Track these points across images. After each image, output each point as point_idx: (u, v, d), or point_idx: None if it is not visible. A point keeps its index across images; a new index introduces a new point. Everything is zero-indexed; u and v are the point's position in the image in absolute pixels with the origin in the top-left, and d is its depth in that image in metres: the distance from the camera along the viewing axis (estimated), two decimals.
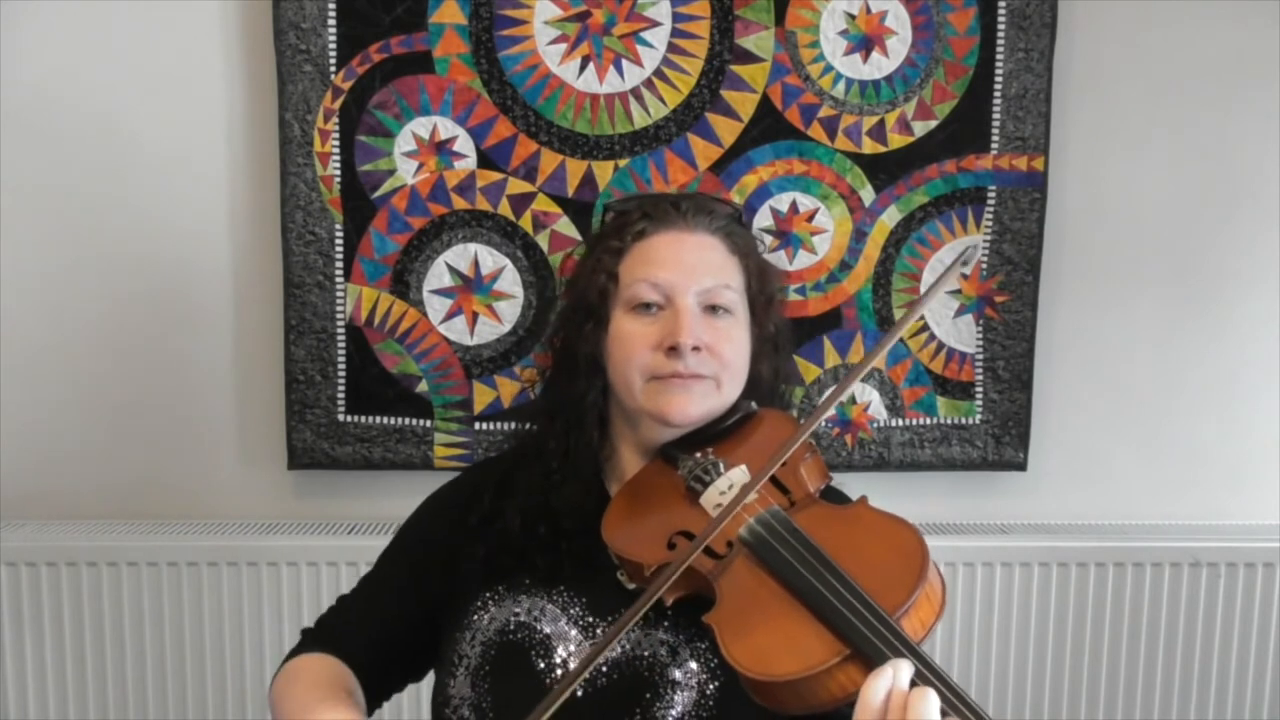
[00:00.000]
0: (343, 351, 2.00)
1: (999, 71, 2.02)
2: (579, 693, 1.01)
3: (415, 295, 1.99)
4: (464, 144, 1.96)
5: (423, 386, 2.01)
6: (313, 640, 1.18)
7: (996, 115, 2.03)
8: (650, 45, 1.97)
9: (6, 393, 1.99)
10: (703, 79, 1.98)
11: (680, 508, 1.02)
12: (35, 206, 1.96)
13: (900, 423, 2.10)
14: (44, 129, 1.94)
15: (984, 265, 2.08)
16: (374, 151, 1.95)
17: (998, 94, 2.03)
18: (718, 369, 1.07)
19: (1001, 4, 2.00)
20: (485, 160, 1.97)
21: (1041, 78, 2.03)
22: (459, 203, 1.98)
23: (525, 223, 1.99)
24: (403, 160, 1.95)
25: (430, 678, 1.15)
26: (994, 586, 2.04)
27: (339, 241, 1.97)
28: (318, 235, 1.96)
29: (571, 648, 1.03)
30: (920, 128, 2.03)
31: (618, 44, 1.96)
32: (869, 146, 2.03)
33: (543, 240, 1.99)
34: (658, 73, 1.97)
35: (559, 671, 1.02)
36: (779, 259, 2.02)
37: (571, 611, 1.05)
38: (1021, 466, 2.13)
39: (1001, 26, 2.01)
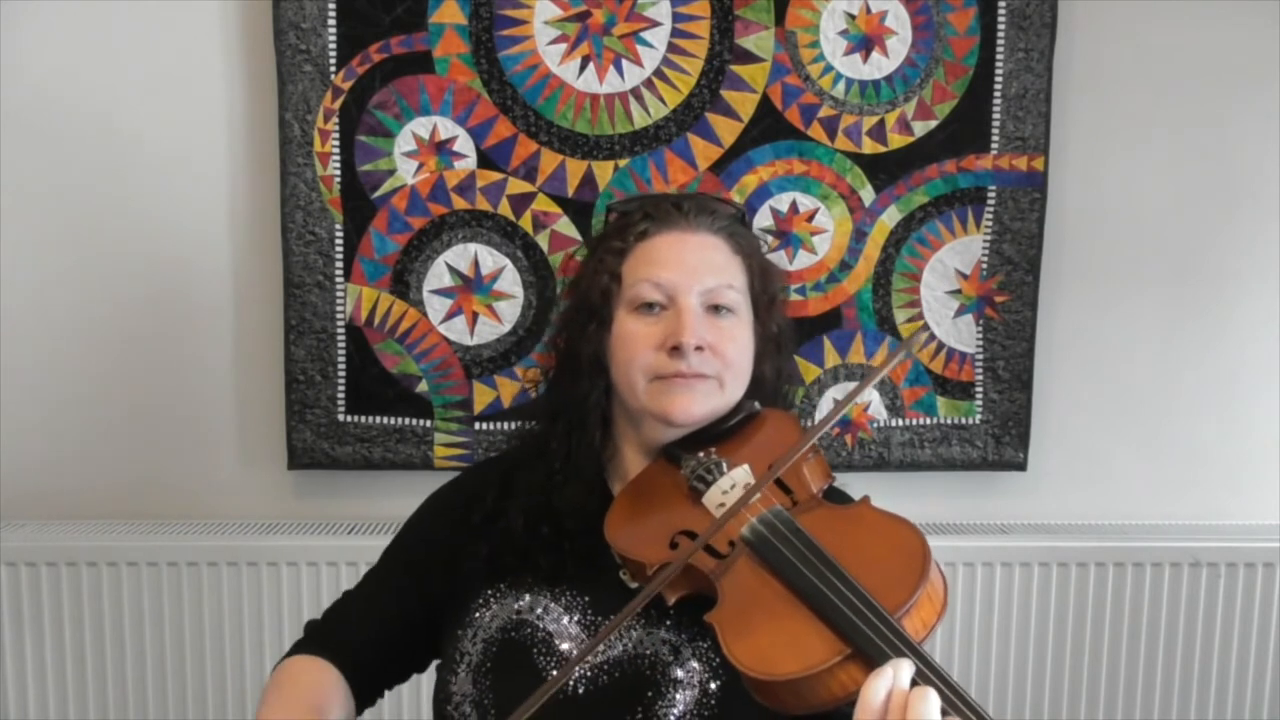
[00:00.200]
0: (343, 351, 2.00)
1: (999, 71, 2.02)
2: (581, 690, 1.01)
3: (415, 295, 1.99)
4: (464, 144, 1.96)
5: (423, 386, 2.01)
6: (313, 638, 1.18)
7: (996, 115, 2.04)
8: (650, 45, 1.97)
9: (6, 393, 1.99)
10: (703, 79, 1.98)
11: (683, 507, 1.02)
12: (35, 206, 1.96)
13: (900, 423, 2.10)
14: (44, 129, 1.94)
15: (984, 265, 2.08)
16: (374, 151, 1.95)
17: (998, 94, 2.03)
18: (720, 369, 1.07)
19: (1001, 4, 2.00)
20: (485, 160, 1.97)
21: (1041, 78, 2.03)
22: (459, 203, 1.98)
23: (525, 223, 1.99)
24: (403, 160, 1.96)
25: (431, 673, 1.16)
26: (994, 586, 2.04)
27: (339, 241, 1.97)
28: (318, 235, 1.96)
29: (573, 646, 1.04)
30: (920, 128, 2.03)
31: (618, 44, 1.96)
32: (869, 146, 2.03)
33: (543, 240, 1.99)
34: (658, 73, 1.98)
35: (559, 670, 1.02)
36: (779, 259, 2.02)
37: (574, 610, 1.06)
38: (1021, 466, 2.13)
39: (1001, 26, 2.01)
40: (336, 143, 1.94)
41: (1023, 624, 2.06)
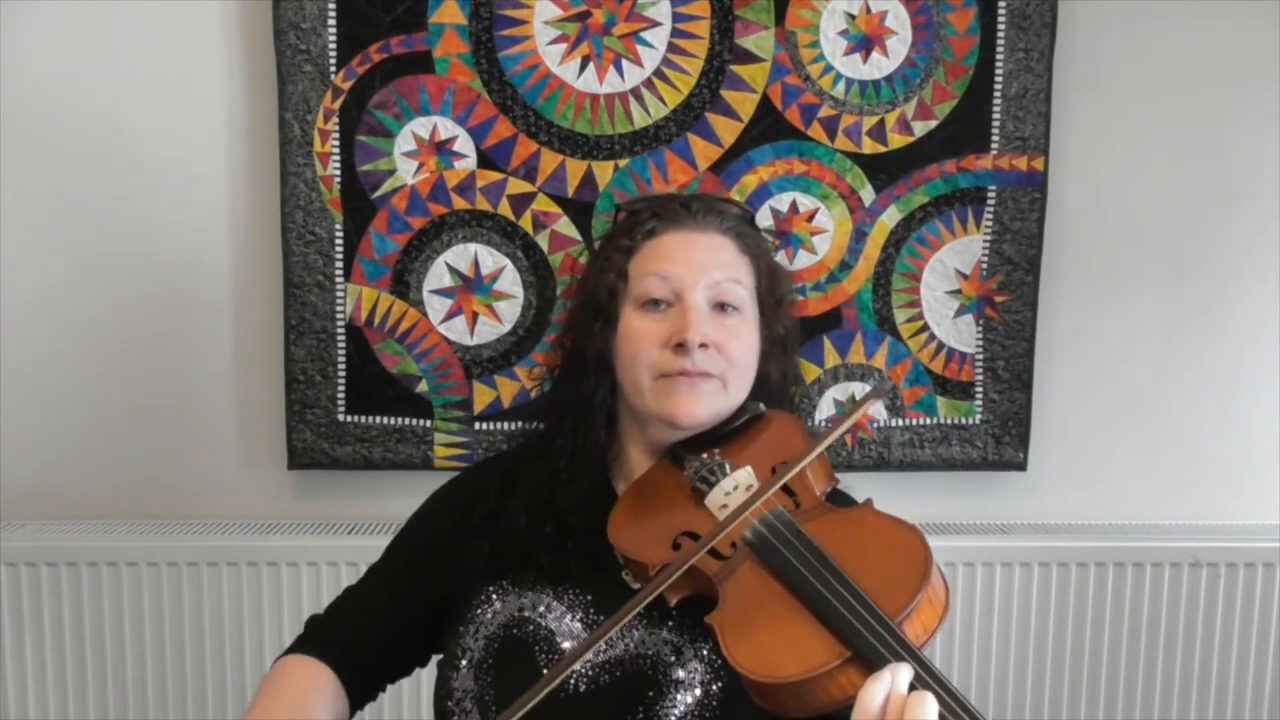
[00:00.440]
0: (343, 351, 2.00)
1: (999, 71, 2.02)
2: (582, 689, 1.01)
3: (415, 295, 1.99)
4: (464, 144, 1.96)
5: (423, 386, 2.01)
6: (310, 637, 1.18)
7: (996, 115, 2.04)
8: (650, 45, 1.97)
9: (6, 393, 1.99)
10: (703, 79, 1.98)
11: (685, 508, 1.03)
12: (35, 206, 1.96)
13: (900, 423, 2.10)
14: (44, 129, 1.94)
15: (984, 265, 2.08)
16: (374, 151, 1.95)
17: (998, 94, 2.03)
18: (725, 367, 1.07)
19: (1001, 4, 2.00)
20: (485, 160, 1.97)
21: (1041, 78, 2.03)
22: (459, 203, 1.98)
23: (525, 223, 1.99)
24: (403, 160, 1.95)
25: (431, 670, 1.16)
26: (994, 586, 2.04)
27: (339, 241, 1.97)
28: (318, 235, 1.96)
29: (575, 644, 1.04)
30: (920, 128, 2.03)
31: (618, 44, 1.96)
32: (869, 146, 2.03)
33: (543, 240, 1.99)
34: (658, 73, 1.97)
35: None
36: (779, 259, 2.02)
37: (577, 608, 1.06)
38: (1021, 466, 2.13)
39: (1001, 26, 2.01)
40: (336, 143, 1.94)
41: (1023, 624, 2.06)
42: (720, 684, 1.00)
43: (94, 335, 1.99)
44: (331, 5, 1.90)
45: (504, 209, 1.98)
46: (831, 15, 1.98)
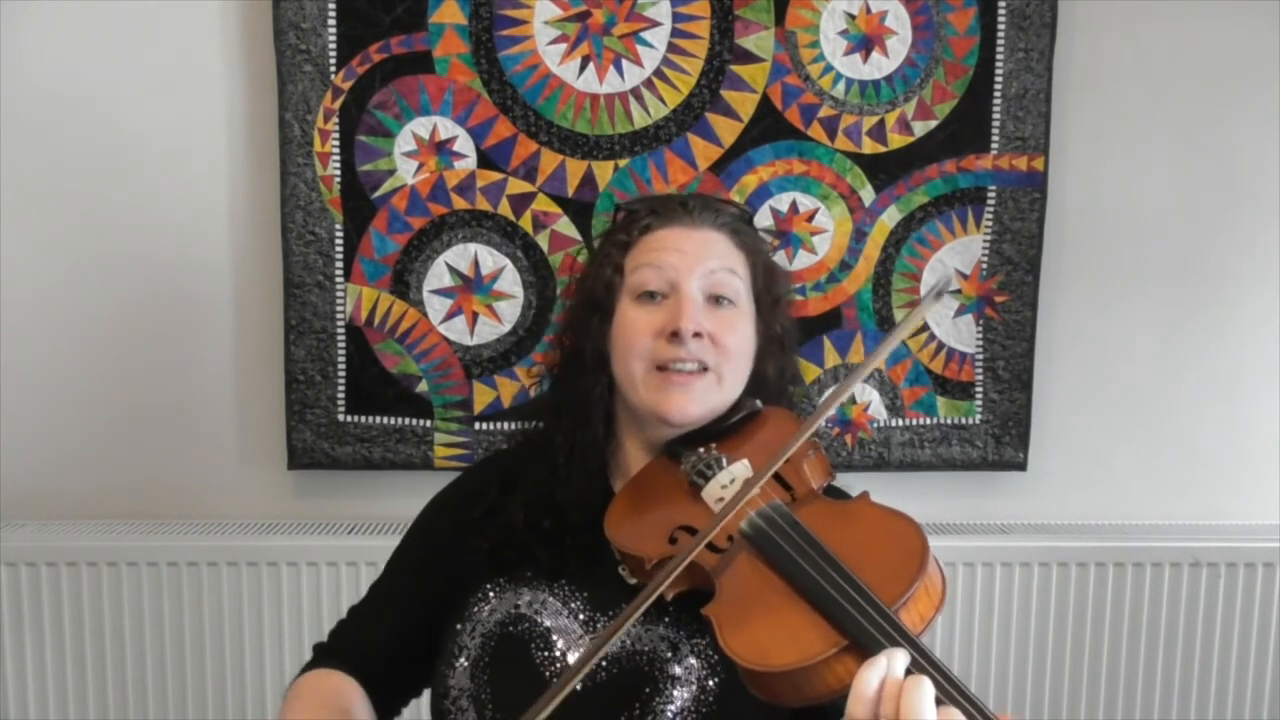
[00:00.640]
0: (343, 351, 2.00)
1: (999, 71, 2.02)
2: (579, 687, 1.01)
3: (415, 295, 1.99)
4: (464, 144, 1.96)
5: (423, 386, 2.01)
6: (324, 657, 1.18)
7: (996, 115, 2.04)
8: (650, 45, 1.97)
9: (6, 393, 1.99)
10: (703, 79, 1.98)
11: (682, 503, 1.03)
12: (35, 207, 1.96)
13: (900, 423, 2.10)
14: (44, 129, 1.94)
15: (984, 265, 2.08)
16: (374, 151, 1.95)
17: (998, 94, 2.03)
18: (719, 360, 1.07)
19: (1001, 4, 2.00)
20: (485, 160, 1.97)
21: (1041, 78, 2.03)
22: (459, 203, 1.98)
23: (525, 223, 1.99)
24: (403, 160, 1.96)
25: None
26: (994, 586, 2.04)
27: (339, 241, 1.97)
28: (318, 235, 1.96)
29: (572, 641, 1.04)
30: (920, 128, 2.03)
31: (618, 44, 1.96)
32: (869, 146, 2.03)
33: (543, 240, 1.99)
34: (658, 73, 1.98)
35: (559, 665, 1.03)
36: (779, 259, 2.02)
37: (573, 605, 1.06)
38: (1021, 466, 2.13)
39: (1001, 26, 2.01)
40: (336, 143, 1.94)
41: (1023, 624, 2.06)
42: (717, 679, 1.00)
43: (94, 335, 1.99)
44: (331, 5, 1.90)
45: (504, 209, 1.98)
46: (831, 15, 1.99)
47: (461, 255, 1.99)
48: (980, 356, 2.11)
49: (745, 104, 1.99)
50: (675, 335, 1.04)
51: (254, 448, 2.04)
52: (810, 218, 2.04)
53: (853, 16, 1.99)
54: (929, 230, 2.06)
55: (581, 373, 1.12)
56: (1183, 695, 2.09)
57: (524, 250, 2.00)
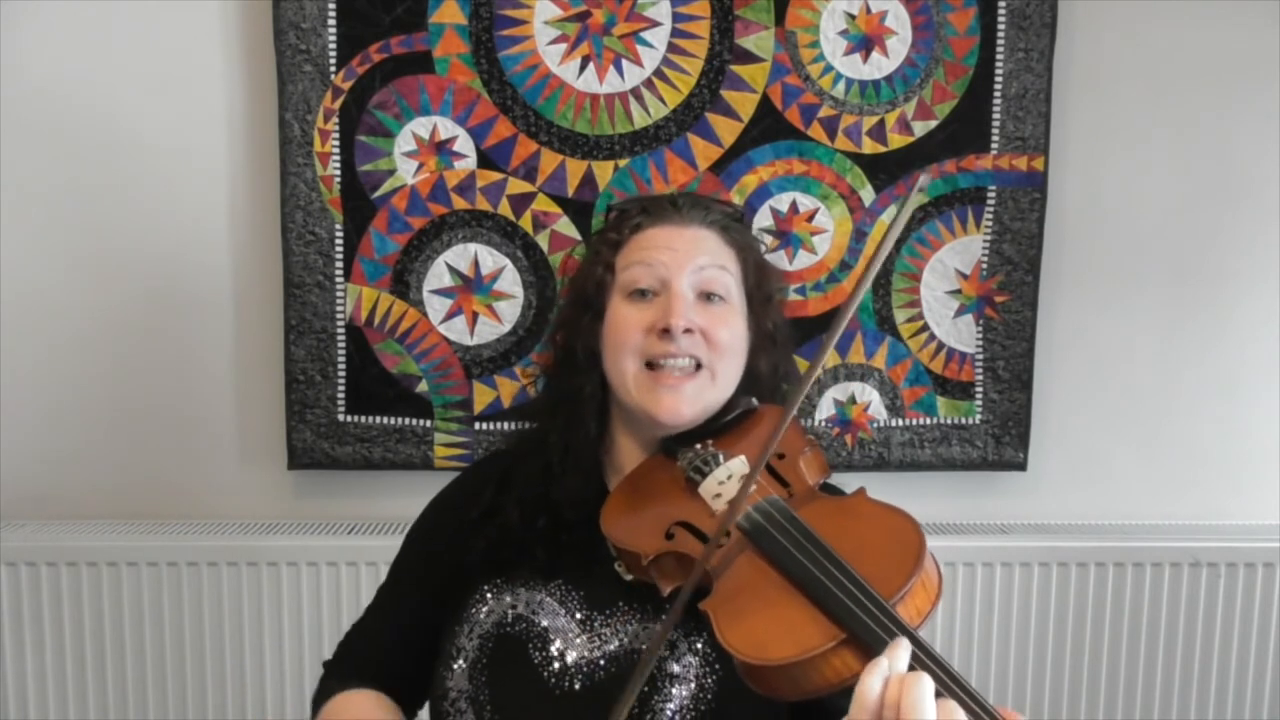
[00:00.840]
0: (343, 351, 2.00)
1: (999, 71, 2.02)
2: (577, 685, 1.02)
3: (415, 295, 1.99)
4: (464, 144, 1.96)
5: (423, 386, 2.01)
6: (340, 671, 1.18)
7: (996, 115, 2.04)
8: (650, 45, 1.97)
9: (6, 393, 2.00)
10: (703, 79, 1.98)
11: (679, 499, 1.03)
12: (35, 207, 1.96)
13: (900, 423, 2.10)
14: (44, 129, 1.94)
15: (984, 265, 2.08)
16: (374, 151, 1.95)
17: (998, 94, 2.03)
18: (711, 357, 1.07)
19: (1001, 4, 2.00)
20: (485, 160, 1.97)
21: (1041, 78, 2.03)
22: (459, 203, 1.98)
23: (525, 223, 1.99)
24: (403, 160, 1.96)
25: None
26: (994, 586, 2.04)
27: (339, 241, 1.97)
28: (318, 235, 1.96)
29: (569, 641, 1.04)
30: (920, 128, 2.03)
31: (618, 44, 1.96)
32: (869, 146, 2.03)
33: (543, 240, 1.99)
34: (658, 73, 1.98)
35: (556, 665, 1.03)
36: (779, 259, 2.02)
37: (569, 604, 1.06)
38: (1021, 466, 2.13)
39: (1001, 26, 2.01)
40: (336, 143, 1.94)
41: (1023, 624, 2.06)
42: (715, 677, 1.01)
43: (94, 335, 1.99)
44: (331, 5, 1.90)
45: (504, 209, 1.98)
46: (831, 15, 1.99)
47: (461, 255, 1.99)
48: (980, 356, 2.11)
49: (745, 104, 1.99)
50: (666, 332, 1.05)
51: (254, 448, 2.05)
52: (810, 218, 2.04)
53: (853, 16, 1.99)
54: (929, 230, 2.06)
55: (574, 371, 1.12)
56: (1183, 695, 2.09)
57: (524, 250, 2.00)
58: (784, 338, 1.18)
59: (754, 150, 2.01)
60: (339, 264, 1.97)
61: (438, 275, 1.99)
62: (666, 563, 0.98)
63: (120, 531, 1.96)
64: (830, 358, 2.07)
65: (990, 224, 2.07)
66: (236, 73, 1.96)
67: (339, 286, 1.98)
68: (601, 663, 1.02)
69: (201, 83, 1.96)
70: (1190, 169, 2.11)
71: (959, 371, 2.10)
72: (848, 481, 1.11)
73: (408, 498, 1.25)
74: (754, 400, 1.12)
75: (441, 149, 1.96)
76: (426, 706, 1.14)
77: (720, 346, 1.07)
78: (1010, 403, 2.11)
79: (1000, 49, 2.02)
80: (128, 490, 2.03)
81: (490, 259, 1.99)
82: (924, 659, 0.79)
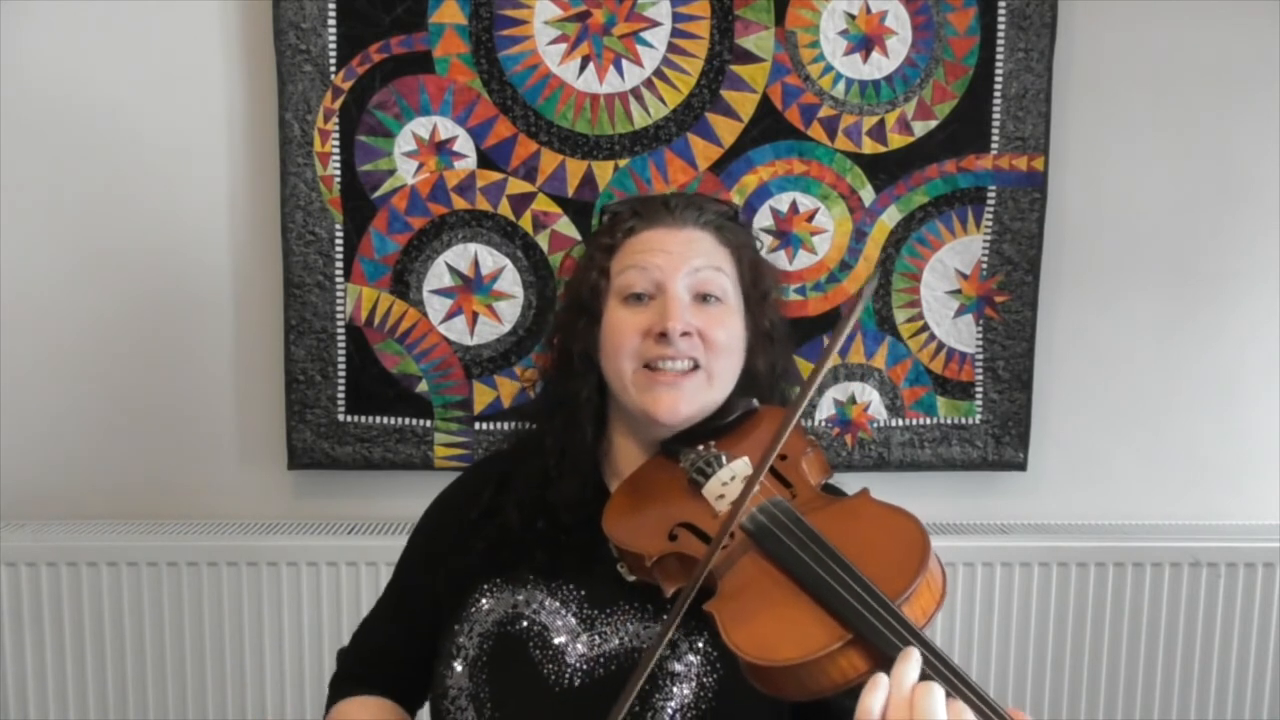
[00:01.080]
0: (343, 351, 2.00)
1: (999, 71, 2.02)
2: (577, 683, 1.02)
3: (415, 295, 1.99)
4: (464, 144, 1.96)
5: (423, 386, 2.01)
6: (350, 674, 1.21)
7: (996, 115, 2.04)
8: (650, 45, 1.97)
9: (7, 393, 2.00)
10: (703, 79, 1.98)
11: (682, 500, 1.03)
12: (35, 207, 1.96)
13: (900, 423, 2.10)
14: (44, 129, 1.94)
15: (984, 265, 2.08)
16: (374, 151, 1.95)
17: (998, 94, 2.03)
18: (709, 357, 1.07)
19: (1001, 4, 2.00)
20: (485, 160, 1.97)
21: (1041, 78, 2.03)
22: (459, 203, 1.98)
23: (525, 223, 1.99)
24: (403, 160, 1.96)
25: None
26: (994, 586, 2.04)
27: (339, 241, 1.97)
28: (318, 235, 1.96)
29: (570, 639, 1.04)
30: (920, 128, 2.03)
31: (618, 44, 1.96)
32: (869, 146, 2.03)
33: (543, 240, 1.99)
34: (658, 73, 1.98)
35: (557, 663, 1.03)
36: (779, 259, 2.02)
37: (570, 603, 1.06)
38: (1021, 466, 2.13)
39: (1001, 26, 2.01)
40: (336, 143, 1.94)
41: (1023, 624, 2.06)
42: (716, 676, 1.01)
43: (94, 335, 1.99)
44: (331, 5, 1.90)
45: (504, 209, 1.98)
46: (831, 15, 1.99)
47: (461, 255, 1.99)
48: (980, 356, 2.11)
49: (745, 104, 1.99)
50: (663, 336, 1.05)
51: (254, 448, 2.05)
52: (810, 218, 2.04)
53: (853, 16, 1.99)
54: (929, 230, 2.06)
55: (570, 375, 1.12)
56: (1183, 695, 2.09)
57: (524, 250, 2.00)
58: (782, 336, 1.18)
59: (754, 150, 2.01)
60: (339, 264, 1.97)
61: (438, 275, 1.99)
62: (669, 564, 0.98)
63: (120, 531, 1.96)
64: (830, 357, 2.07)
65: (990, 224, 2.07)
66: (236, 73, 1.96)
67: (339, 286, 1.98)
68: (602, 660, 1.03)
69: (201, 83, 1.96)
70: (1190, 169, 2.11)
71: (959, 371, 2.10)
72: (848, 481, 1.12)
73: (408, 498, 1.25)
74: (754, 401, 1.12)
75: (441, 149, 1.96)
76: (427, 705, 1.15)
77: (717, 347, 1.07)
78: (1010, 403, 2.11)
79: (1000, 49, 2.02)
80: (128, 490, 2.03)
81: (490, 259, 1.99)
82: (932, 660, 0.79)
